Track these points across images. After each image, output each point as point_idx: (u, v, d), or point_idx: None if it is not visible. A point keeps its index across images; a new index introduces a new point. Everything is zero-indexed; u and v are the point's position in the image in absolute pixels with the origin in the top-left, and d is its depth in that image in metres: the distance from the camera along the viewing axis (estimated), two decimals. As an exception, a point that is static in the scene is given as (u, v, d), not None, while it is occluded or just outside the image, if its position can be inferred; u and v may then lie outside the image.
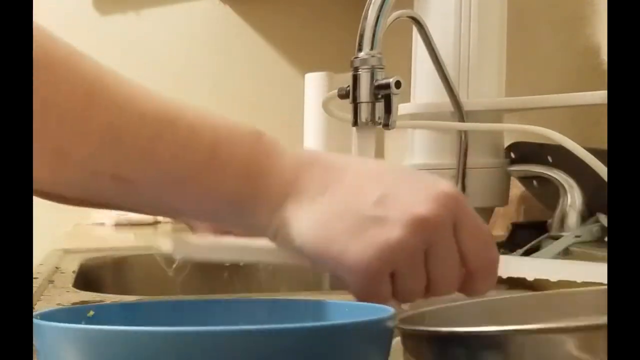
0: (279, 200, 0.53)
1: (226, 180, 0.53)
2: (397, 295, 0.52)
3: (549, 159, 1.05)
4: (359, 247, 0.50)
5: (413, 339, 0.49)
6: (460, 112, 1.05)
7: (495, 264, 0.54)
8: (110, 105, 0.51)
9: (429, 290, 0.53)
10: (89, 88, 0.50)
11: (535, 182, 1.13)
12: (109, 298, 0.89)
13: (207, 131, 0.53)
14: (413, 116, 1.10)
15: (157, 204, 0.55)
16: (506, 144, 1.13)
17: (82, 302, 0.82)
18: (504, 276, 0.81)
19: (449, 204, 0.51)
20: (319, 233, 0.52)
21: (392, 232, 0.50)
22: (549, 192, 1.08)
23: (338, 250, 0.51)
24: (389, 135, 1.81)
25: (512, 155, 1.12)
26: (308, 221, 0.52)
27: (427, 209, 0.50)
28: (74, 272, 1.07)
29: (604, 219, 0.97)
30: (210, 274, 1.29)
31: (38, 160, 0.48)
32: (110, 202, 0.56)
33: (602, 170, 0.92)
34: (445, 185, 0.52)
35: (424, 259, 0.51)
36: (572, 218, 1.02)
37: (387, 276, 0.51)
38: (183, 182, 0.52)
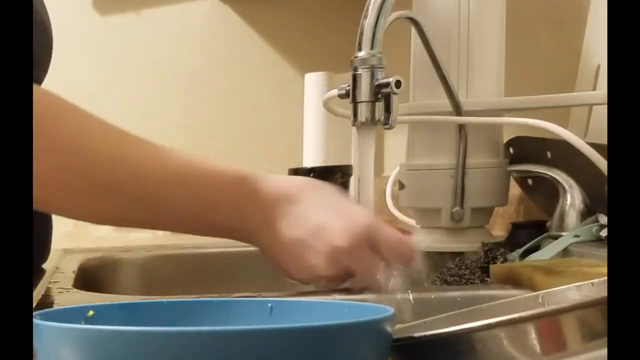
0: (253, 229, 0.76)
1: (212, 222, 0.76)
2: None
3: (548, 154, 1.05)
4: (295, 270, 0.76)
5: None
6: (459, 113, 1.05)
7: (411, 253, 0.75)
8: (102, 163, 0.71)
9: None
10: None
11: (530, 181, 1.13)
12: (109, 298, 0.89)
13: (194, 182, 0.74)
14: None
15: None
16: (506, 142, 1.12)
17: (82, 302, 0.82)
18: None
19: (362, 232, 0.73)
20: (276, 256, 0.77)
21: (317, 259, 0.73)
22: (546, 194, 1.08)
23: (285, 268, 0.77)
24: (389, 135, 1.81)
25: (511, 150, 1.11)
26: (269, 246, 0.77)
27: (343, 240, 0.72)
28: (74, 272, 1.07)
29: (603, 218, 0.97)
30: (210, 274, 1.29)
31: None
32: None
33: (602, 164, 0.92)
34: (362, 216, 0.74)
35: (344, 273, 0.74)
36: (572, 218, 1.02)
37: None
38: (180, 221, 0.76)
